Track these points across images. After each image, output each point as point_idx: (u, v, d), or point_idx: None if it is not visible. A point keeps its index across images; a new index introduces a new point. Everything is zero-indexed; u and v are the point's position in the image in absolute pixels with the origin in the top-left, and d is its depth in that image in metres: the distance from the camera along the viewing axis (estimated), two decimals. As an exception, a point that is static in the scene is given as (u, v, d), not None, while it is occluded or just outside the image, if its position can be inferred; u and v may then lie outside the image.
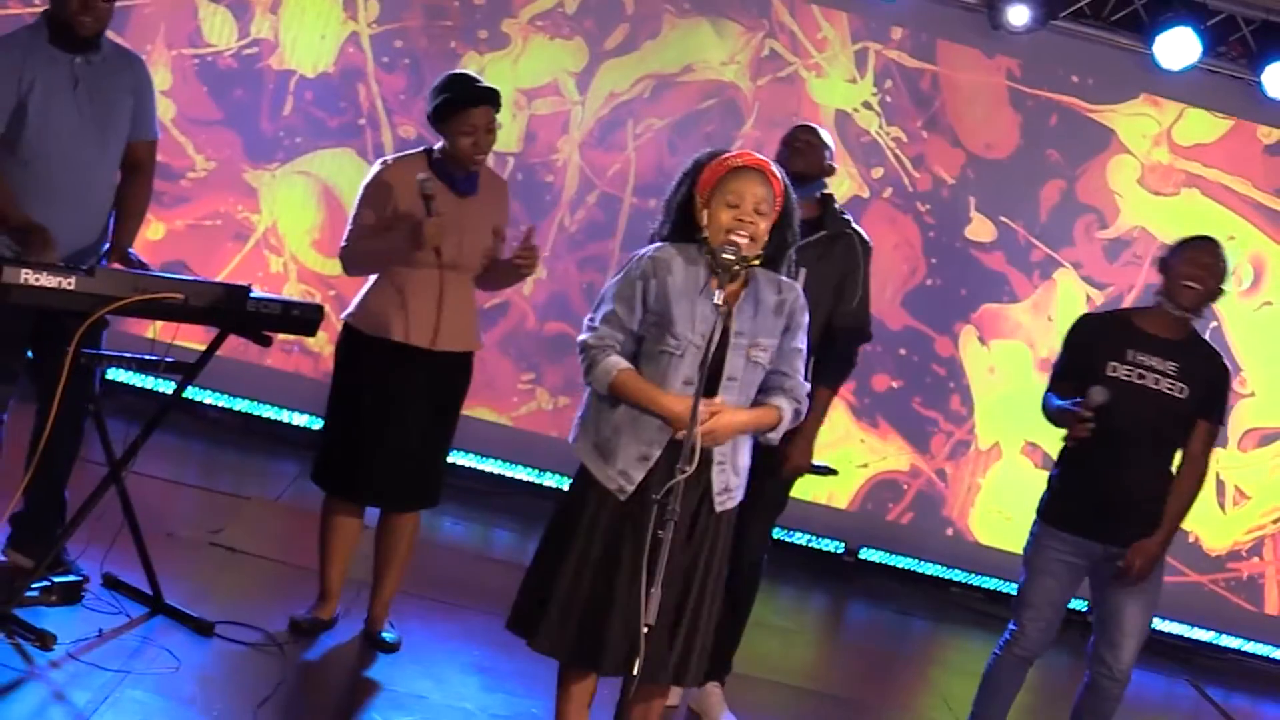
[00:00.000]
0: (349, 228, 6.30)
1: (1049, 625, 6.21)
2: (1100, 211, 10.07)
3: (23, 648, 5.59)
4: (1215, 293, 6.07)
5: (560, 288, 9.89)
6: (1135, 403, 5.95)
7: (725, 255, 4.67)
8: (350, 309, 6.38)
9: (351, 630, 6.55)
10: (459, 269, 6.23)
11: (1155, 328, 6.09)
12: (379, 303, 6.26)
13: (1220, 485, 10.12)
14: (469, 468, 9.81)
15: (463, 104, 6.15)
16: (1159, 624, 10.00)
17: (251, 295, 6.01)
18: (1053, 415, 6.23)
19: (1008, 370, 10.08)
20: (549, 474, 9.95)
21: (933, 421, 10.15)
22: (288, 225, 9.83)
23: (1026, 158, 10.08)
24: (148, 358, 6.09)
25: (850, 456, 9.98)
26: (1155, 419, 6.00)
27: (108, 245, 6.27)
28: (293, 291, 9.74)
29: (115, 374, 8.74)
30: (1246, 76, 9.81)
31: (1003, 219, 10.05)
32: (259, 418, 9.94)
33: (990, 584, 10.16)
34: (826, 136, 6.60)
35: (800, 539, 10.18)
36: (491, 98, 6.20)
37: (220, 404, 9.88)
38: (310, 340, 8.38)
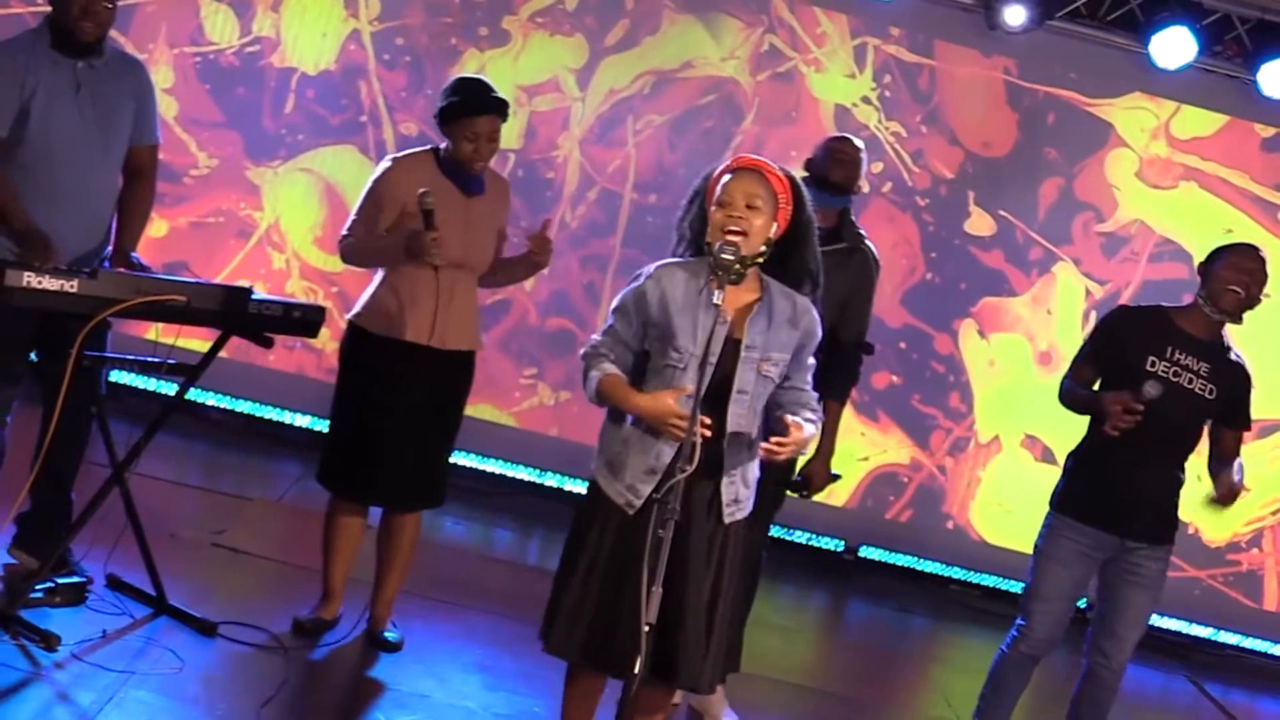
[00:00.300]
0: (351, 219, 6.34)
1: (1059, 620, 6.21)
2: (1098, 208, 10.09)
3: (27, 648, 5.60)
4: (1256, 299, 6.10)
5: (561, 283, 9.91)
6: (1169, 401, 5.96)
7: (724, 255, 4.65)
8: (355, 309, 6.41)
9: (354, 630, 6.54)
10: (464, 268, 6.26)
11: (1193, 328, 6.13)
12: (383, 302, 6.28)
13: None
14: (470, 468, 9.82)
15: (469, 111, 6.18)
16: (1157, 620, 10.04)
17: (253, 297, 6.05)
18: (1083, 400, 6.24)
19: (1007, 363, 10.10)
20: (550, 474, 9.97)
21: (932, 418, 10.18)
22: (290, 222, 9.86)
23: (1024, 156, 10.11)
24: (150, 360, 6.11)
25: (851, 450, 9.98)
26: (1185, 418, 6.08)
27: (110, 249, 6.29)
28: (295, 288, 9.79)
29: (118, 376, 8.80)
30: (1242, 75, 9.84)
31: (1002, 213, 10.08)
32: (261, 419, 9.96)
33: (990, 581, 10.18)
34: (864, 154, 6.66)
35: (800, 537, 10.21)
36: (498, 108, 6.23)
37: (223, 405, 9.91)
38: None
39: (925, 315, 10.13)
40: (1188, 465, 6.32)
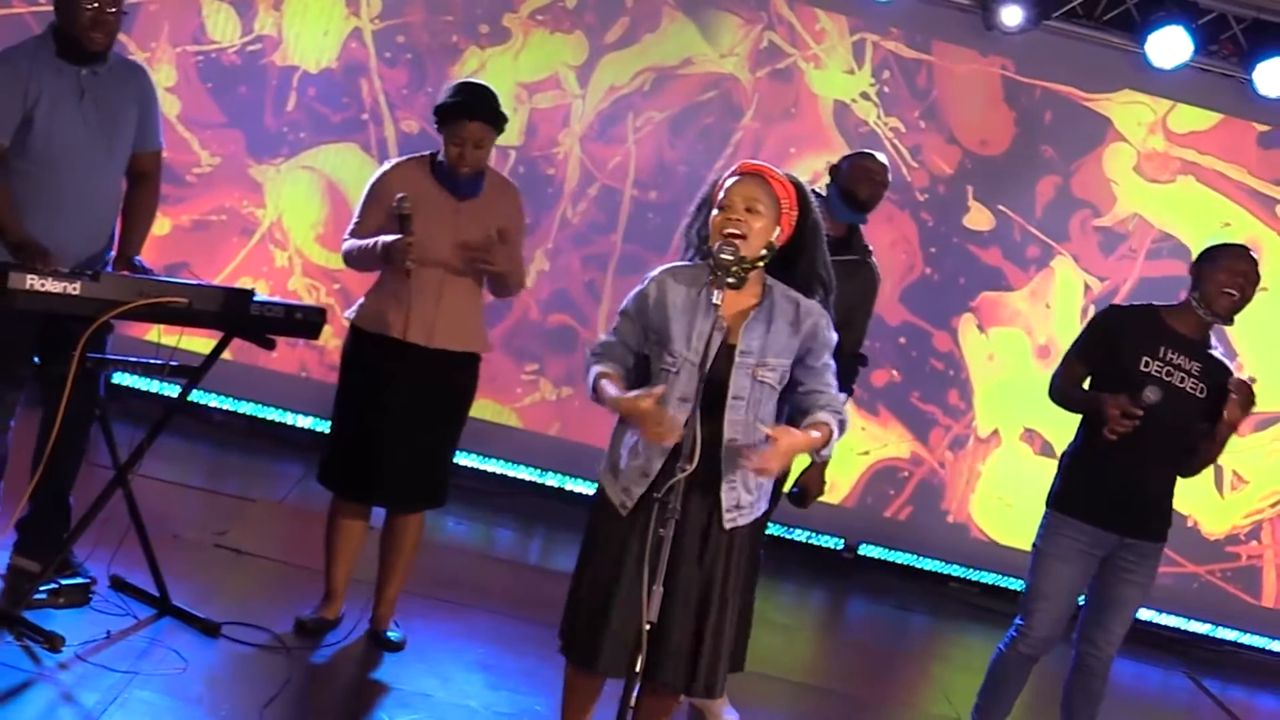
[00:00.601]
0: (352, 223, 6.40)
1: (1059, 619, 6.23)
2: (1095, 206, 10.12)
3: (32, 649, 5.62)
4: (1249, 300, 6.12)
5: (562, 280, 9.95)
6: (1165, 401, 5.98)
7: (723, 255, 4.64)
8: (353, 309, 6.46)
9: (357, 630, 6.57)
10: (454, 269, 6.28)
11: (1184, 327, 6.14)
12: (379, 301, 6.34)
13: (1218, 470, 10.14)
14: (472, 468, 9.84)
15: (456, 114, 6.22)
16: (1156, 617, 10.12)
17: (255, 299, 6.06)
18: (1079, 400, 6.27)
19: (1006, 357, 10.13)
20: (551, 473, 9.99)
21: (931, 416, 10.21)
22: (292, 220, 9.89)
23: (1021, 154, 10.14)
24: (153, 362, 6.15)
25: (851, 445, 10.04)
26: (1179, 417, 6.06)
27: (113, 254, 6.32)
28: (297, 285, 9.83)
29: (121, 378, 8.85)
30: (1238, 74, 9.88)
31: (1000, 207, 10.10)
32: (263, 420, 9.99)
33: (989, 579, 10.21)
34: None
35: (800, 535, 10.25)
36: (486, 114, 6.24)
37: (225, 407, 9.93)
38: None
39: (924, 313, 10.16)
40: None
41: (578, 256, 9.99)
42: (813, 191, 5.14)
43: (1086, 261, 10.10)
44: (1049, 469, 6.52)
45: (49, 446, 5.89)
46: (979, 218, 10.11)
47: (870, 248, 6.76)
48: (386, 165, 6.46)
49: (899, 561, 10.37)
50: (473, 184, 6.35)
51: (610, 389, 4.87)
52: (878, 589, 10.11)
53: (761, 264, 4.85)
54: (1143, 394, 5.89)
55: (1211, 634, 10.35)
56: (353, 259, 6.40)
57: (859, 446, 10.13)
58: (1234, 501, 10.26)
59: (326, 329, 6.44)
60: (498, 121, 6.29)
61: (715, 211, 4.84)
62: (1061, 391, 6.33)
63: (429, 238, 6.13)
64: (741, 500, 4.92)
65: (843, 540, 10.31)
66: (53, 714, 5.25)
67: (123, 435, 6.25)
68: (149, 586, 6.35)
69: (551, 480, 10.02)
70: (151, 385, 9.28)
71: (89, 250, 6.16)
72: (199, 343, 6.22)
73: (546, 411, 10.01)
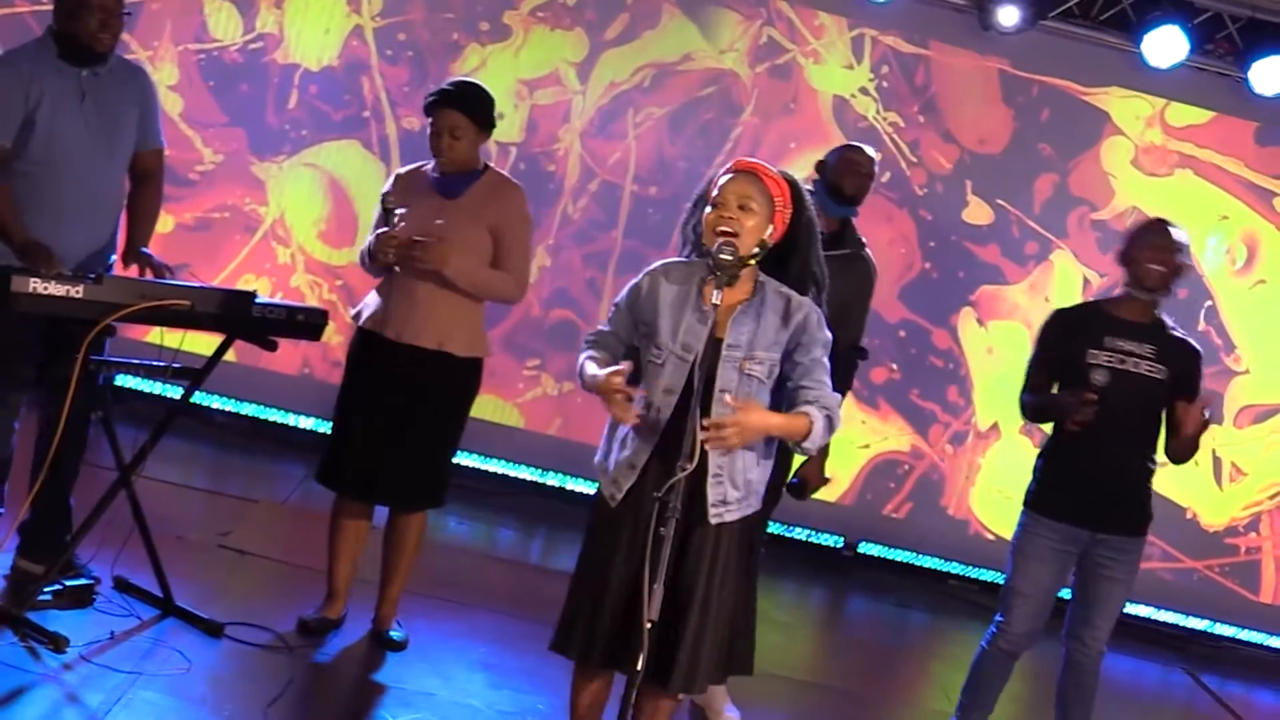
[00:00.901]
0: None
1: (1037, 615, 6.28)
2: (1093, 203, 10.14)
3: (36, 650, 5.63)
4: (1180, 269, 6.21)
5: (563, 276, 9.99)
6: (1120, 388, 6.05)
7: (723, 255, 4.66)
8: (358, 307, 6.54)
9: (359, 630, 6.60)
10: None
11: (1128, 314, 6.22)
12: (372, 298, 6.45)
13: (1217, 462, 10.21)
14: (473, 468, 9.89)
15: (434, 103, 6.34)
16: (1154, 613, 10.15)
17: (257, 301, 6.10)
18: (1042, 407, 6.34)
19: (1006, 350, 10.13)
20: (552, 473, 10.03)
21: (931, 413, 10.25)
22: (295, 217, 9.92)
23: (1019, 153, 10.17)
24: (155, 364, 6.18)
25: (851, 438, 10.07)
26: (1140, 402, 6.10)
27: (115, 255, 6.36)
28: (300, 282, 9.86)
29: (124, 380, 8.89)
30: (1233, 73, 9.91)
31: (999, 202, 10.13)
32: (265, 421, 10.02)
33: (988, 576, 10.18)
34: (877, 166, 6.77)
35: (800, 534, 10.27)
36: (461, 103, 6.30)
37: (227, 408, 9.96)
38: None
39: (923, 310, 10.19)
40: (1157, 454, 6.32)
41: (578, 252, 10.02)
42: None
43: (1085, 257, 10.13)
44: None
45: (52, 449, 5.90)
46: (978, 212, 10.14)
47: (864, 240, 6.76)
48: (393, 174, 6.58)
49: (899, 559, 10.40)
50: (459, 182, 6.38)
51: (591, 368, 4.89)
52: (877, 586, 10.14)
53: (754, 261, 4.85)
54: (1091, 378, 6.01)
55: (1210, 630, 10.36)
56: (362, 263, 6.51)
57: (859, 440, 10.17)
58: (1233, 493, 10.27)
59: (329, 327, 6.48)
60: (475, 112, 6.32)
61: (709, 209, 4.84)
62: (1030, 405, 6.40)
63: (408, 236, 6.20)
64: (729, 495, 4.89)
65: (842, 538, 10.33)
66: (57, 714, 5.27)
67: (126, 437, 6.26)
68: (152, 587, 6.37)
69: (553, 480, 10.05)
70: (154, 387, 9.32)
71: (91, 251, 6.19)
72: (201, 344, 6.25)
73: (548, 407, 10.05)
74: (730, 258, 4.67)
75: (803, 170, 5.80)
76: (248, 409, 9.99)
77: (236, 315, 6.04)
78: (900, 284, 10.13)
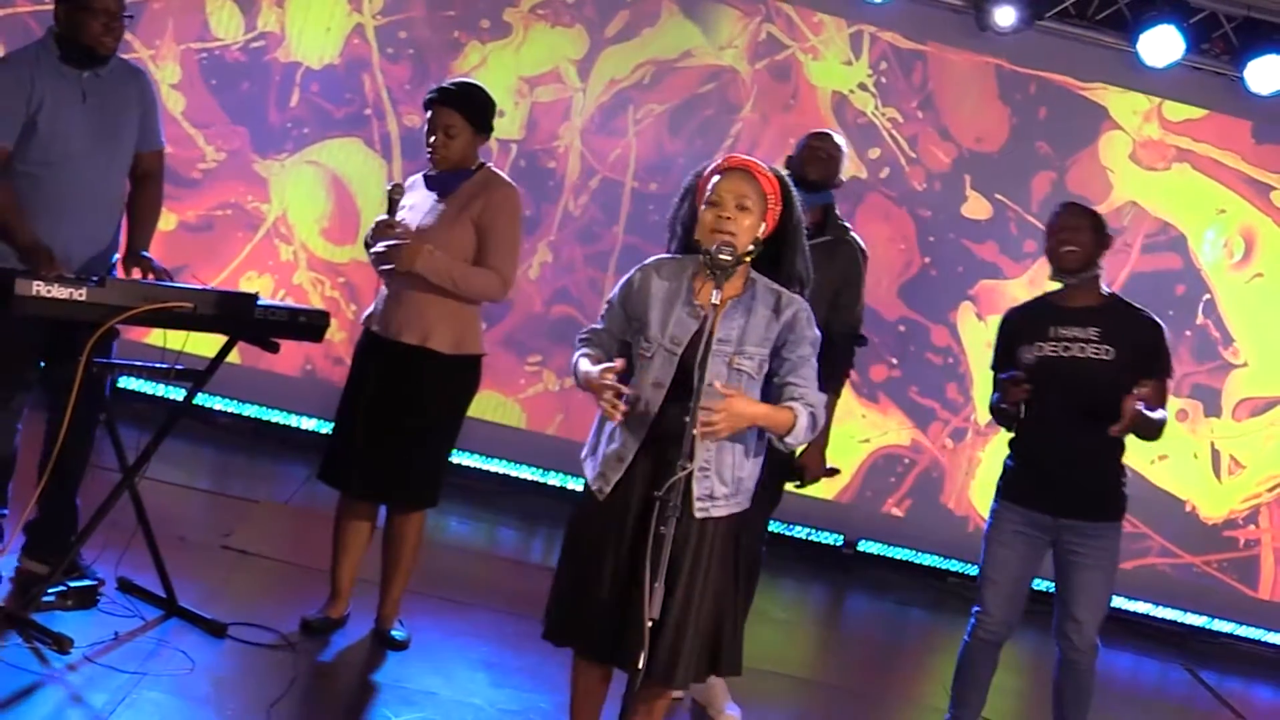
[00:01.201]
0: None
1: (1010, 601, 6.31)
2: (1091, 201, 10.12)
3: (40, 651, 5.65)
4: (1099, 244, 6.27)
5: (564, 272, 10.03)
6: (1065, 374, 6.13)
7: (722, 256, 4.66)
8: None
9: (362, 629, 6.63)
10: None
11: (1071, 301, 6.28)
12: (376, 298, 6.52)
13: (1215, 454, 10.25)
14: (474, 468, 9.95)
15: (430, 101, 6.39)
16: (1153, 609, 10.17)
17: (259, 303, 6.13)
18: (993, 405, 6.46)
19: (1005, 344, 10.16)
20: (553, 473, 10.09)
21: (930, 410, 10.28)
22: (297, 215, 9.96)
23: (1017, 151, 10.19)
24: (158, 366, 6.18)
25: (851, 433, 10.09)
26: (1086, 386, 6.12)
27: (117, 257, 6.38)
28: (302, 279, 9.90)
29: (127, 382, 8.92)
30: (1229, 72, 9.95)
31: (998, 196, 10.16)
32: (268, 423, 10.06)
33: (987, 573, 10.22)
34: (845, 146, 6.73)
35: (800, 532, 10.30)
36: (456, 101, 6.34)
37: (230, 410, 10.00)
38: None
39: (922, 308, 10.22)
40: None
41: (579, 249, 10.05)
42: None
43: (1083, 251, 10.13)
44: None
45: (56, 450, 5.93)
46: (976, 206, 10.16)
47: (848, 225, 6.74)
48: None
49: (898, 557, 10.42)
50: (451, 181, 6.41)
51: (585, 365, 4.94)
52: (877, 584, 10.16)
53: (748, 259, 4.87)
54: (1019, 358, 6.14)
55: (1208, 626, 10.39)
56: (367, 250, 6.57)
57: (859, 434, 10.19)
58: (1231, 486, 10.30)
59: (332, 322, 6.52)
60: (471, 113, 6.36)
61: (704, 208, 4.85)
62: (990, 406, 6.51)
63: (401, 231, 6.27)
64: (715, 490, 4.88)
65: (842, 536, 10.36)
66: (61, 715, 5.28)
67: (129, 438, 6.27)
68: (156, 588, 6.38)
69: (553, 480, 10.10)
70: (157, 389, 9.34)
71: (93, 252, 6.22)
72: (204, 345, 6.27)
73: (549, 403, 10.09)
74: (730, 258, 4.69)
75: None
76: (250, 410, 10.03)
77: (239, 317, 6.07)
78: (900, 282, 10.15)
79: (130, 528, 6.33)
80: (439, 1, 9.91)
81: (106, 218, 6.33)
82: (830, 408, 6.59)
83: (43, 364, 6.26)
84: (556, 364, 9.99)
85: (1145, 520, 10.01)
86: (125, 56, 6.41)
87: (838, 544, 10.38)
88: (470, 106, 6.35)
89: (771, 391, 4.93)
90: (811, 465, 6.71)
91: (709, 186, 4.88)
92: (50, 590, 6.03)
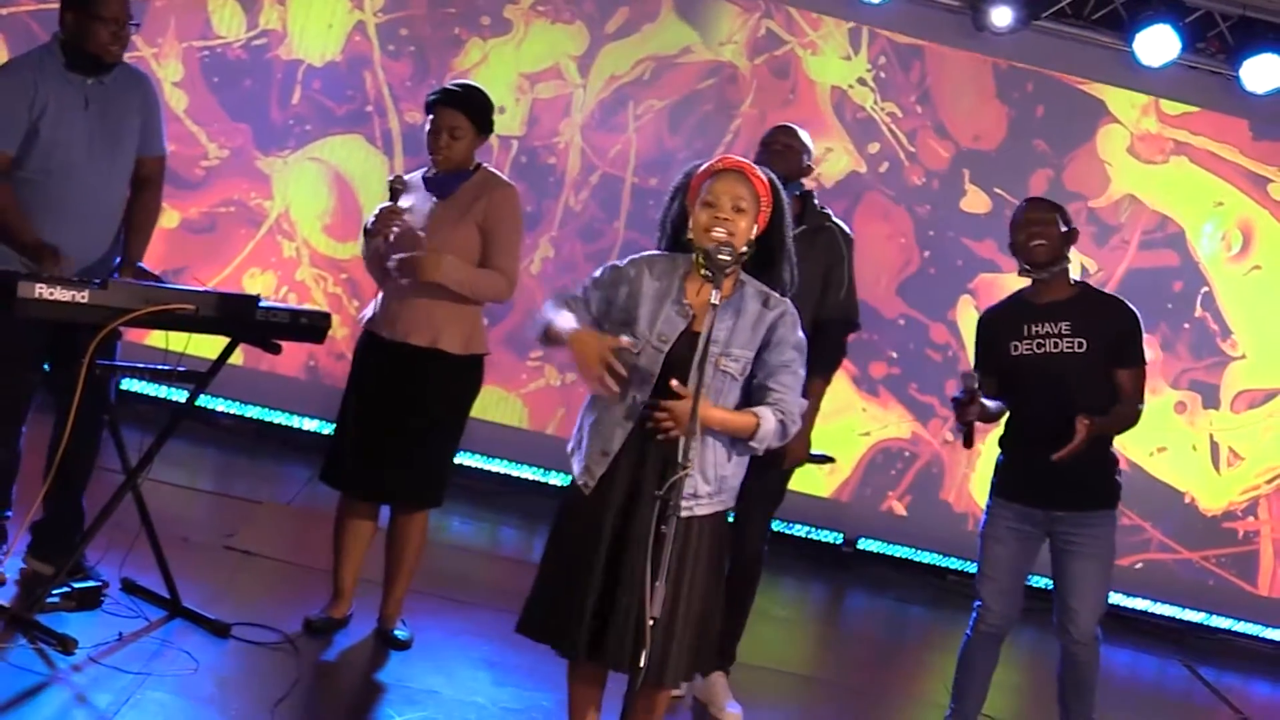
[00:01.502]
0: None
1: (1007, 594, 6.34)
2: (1088, 198, 10.19)
3: (45, 652, 5.66)
4: (1065, 238, 6.28)
5: (565, 268, 10.04)
6: (1041, 371, 6.17)
7: (721, 257, 4.65)
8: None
9: (365, 629, 6.64)
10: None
11: (1043, 296, 6.29)
12: (377, 299, 6.53)
13: (1214, 446, 10.29)
14: (476, 468, 9.99)
15: (432, 102, 6.41)
16: (1151, 606, 10.21)
17: (260, 305, 6.14)
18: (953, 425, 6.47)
19: (1005, 338, 10.18)
20: (554, 473, 10.09)
21: (930, 406, 10.30)
22: (300, 211, 10.00)
23: (1014, 149, 10.23)
24: (160, 367, 6.20)
25: (851, 426, 10.13)
26: (1062, 380, 6.16)
27: (119, 260, 6.39)
28: (305, 275, 9.94)
29: (129, 383, 8.96)
30: (1225, 71, 9.99)
31: (997, 191, 10.17)
32: (270, 424, 10.09)
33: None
34: (806, 138, 6.70)
35: (800, 530, 10.32)
36: (459, 102, 6.36)
37: (232, 411, 10.03)
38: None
39: (921, 306, 10.25)
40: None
41: (580, 245, 10.08)
42: None
43: (1081, 248, 10.10)
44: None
45: (60, 451, 5.94)
46: (975, 200, 10.18)
47: (829, 211, 6.74)
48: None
49: (898, 555, 10.45)
50: (450, 181, 6.44)
51: (566, 322, 4.88)
52: (877, 582, 10.18)
53: (743, 260, 4.87)
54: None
55: (1207, 622, 10.42)
56: (364, 254, 6.60)
57: (860, 428, 10.22)
58: (1230, 478, 10.33)
59: (334, 319, 6.54)
60: (476, 115, 6.39)
61: (700, 208, 4.85)
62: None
63: (404, 234, 6.28)
64: (699, 489, 4.84)
65: (841, 535, 10.39)
66: (66, 716, 5.29)
67: (132, 440, 6.28)
68: (160, 589, 6.40)
69: (555, 479, 10.10)
70: (160, 390, 9.38)
71: (95, 256, 6.25)
72: (206, 347, 6.29)
73: (551, 397, 10.12)
74: (729, 259, 4.69)
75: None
76: (252, 411, 10.07)
77: (240, 318, 6.08)
78: (899, 279, 10.18)
79: (134, 529, 6.33)
80: (440, -1, 9.96)
81: (108, 223, 6.36)
82: (820, 391, 6.62)
83: (47, 367, 6.29)
84: (558, 359, 9.96)
85: (1144, 512, 10.05)
86: (127, 56, 6.41)
87: (837, 542, 10.39)
88: (475, 108, 6.39)
89: (752, 393, 4.93)
90: (793, 447, 6.63)
91: (704, 187, 4.88)
92: (55, 591, 6.03)
